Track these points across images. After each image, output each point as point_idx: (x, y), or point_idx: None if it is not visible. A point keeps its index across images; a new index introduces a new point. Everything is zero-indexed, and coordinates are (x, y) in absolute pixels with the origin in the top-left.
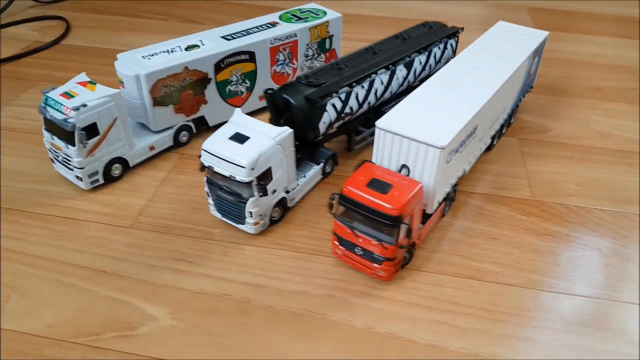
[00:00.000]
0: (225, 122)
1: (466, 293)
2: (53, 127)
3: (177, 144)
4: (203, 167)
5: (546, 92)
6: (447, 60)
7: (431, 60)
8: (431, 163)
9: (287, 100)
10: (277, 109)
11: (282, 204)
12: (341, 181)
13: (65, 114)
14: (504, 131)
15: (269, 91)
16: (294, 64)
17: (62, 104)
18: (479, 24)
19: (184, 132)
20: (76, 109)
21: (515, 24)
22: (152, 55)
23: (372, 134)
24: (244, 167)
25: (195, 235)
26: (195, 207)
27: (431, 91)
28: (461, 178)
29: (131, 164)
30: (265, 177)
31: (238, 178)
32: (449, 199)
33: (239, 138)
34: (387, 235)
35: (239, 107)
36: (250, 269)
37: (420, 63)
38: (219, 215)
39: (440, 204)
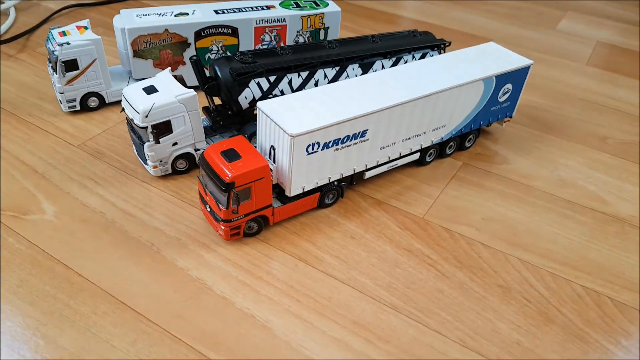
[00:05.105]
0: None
1: (287, 270)
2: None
3: None
4: (123, 109)
5: (538, 128)
6: None
7: None
8: (287, 149)
9: (215, 70)
10: (204, 77)
11: (188, 158)
12: None
13: (54, 48)
14: (449, 152)
15: (194, 57)
16: None
17: (54, 39)
18: (538, 51)
19: None
20: (60, 44)
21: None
22: (146, 15)
23: None
24: (138, 113)
25: (117, 166)
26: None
27: (336, 87)
28: (361, 179)
29: (107, 101)
30: (163, 128)
31: (135, 122)
32: (334, 193)
33: (150, 90)
34: (223, 198)
35: None
36: (136, 202)
37: (383, 68)
38: (135, 155)
39: (310, 193)
